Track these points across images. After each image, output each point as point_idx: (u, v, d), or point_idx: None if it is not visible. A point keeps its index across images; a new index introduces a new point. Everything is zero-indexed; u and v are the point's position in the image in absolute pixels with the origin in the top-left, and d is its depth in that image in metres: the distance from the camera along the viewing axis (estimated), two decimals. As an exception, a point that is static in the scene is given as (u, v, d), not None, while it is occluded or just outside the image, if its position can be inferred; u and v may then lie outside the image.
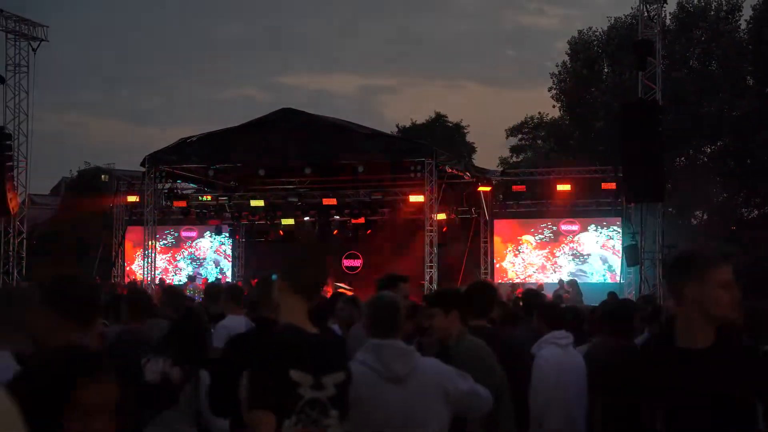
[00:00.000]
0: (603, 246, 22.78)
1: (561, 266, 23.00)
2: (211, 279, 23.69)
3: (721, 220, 32.64)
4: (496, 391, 4.26)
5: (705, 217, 34.81)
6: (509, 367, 4.81)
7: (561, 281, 21.45)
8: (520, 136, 42.93)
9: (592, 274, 22.77)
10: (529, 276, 23.08)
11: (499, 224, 23.56)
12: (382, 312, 3.94)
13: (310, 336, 3.44)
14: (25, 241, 23.49)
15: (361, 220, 22.68)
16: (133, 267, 25.32)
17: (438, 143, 27.18)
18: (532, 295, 9.54)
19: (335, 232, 23.11)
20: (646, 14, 19.64)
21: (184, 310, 6.21)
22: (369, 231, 23.04)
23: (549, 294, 16.91)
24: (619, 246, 22.00)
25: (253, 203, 22.43)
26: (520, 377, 5.06)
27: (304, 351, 3.36)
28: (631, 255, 19.61)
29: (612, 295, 15.57)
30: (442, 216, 21.04)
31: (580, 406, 5.27)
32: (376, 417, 3.71)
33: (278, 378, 3.28)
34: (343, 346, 3.66)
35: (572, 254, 23.01)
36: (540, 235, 23.27)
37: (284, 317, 3.52)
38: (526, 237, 23.40)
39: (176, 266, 26.00)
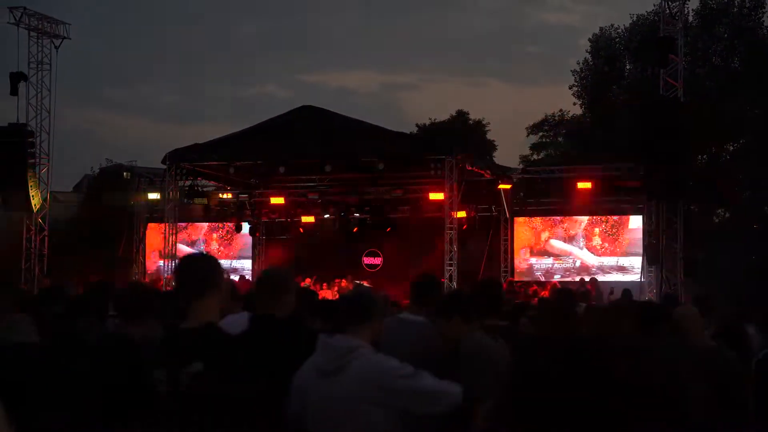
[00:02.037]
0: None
1: (579, 264, 22.94)
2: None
3: (744, 218, 32.36)
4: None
5: (727, 215, 34.52)
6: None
7: (582, 279, 21.38)
8: (540, 133, 42.74)
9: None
10: (552, 272, 23.01)
11: (520, 222, 23.50)
12: (341, 305, 4.07)
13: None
14: (46, 238, 23.66)
15: (381, 217, 22.69)
16: (156, 263, 25.45)
17: (459, 141, 27.12)
18: (563, 294, 9.48)
19: (355, 229, 23.13)
20: (668, 11, 19.51)
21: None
22: (389, 229, 23.03)
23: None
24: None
25: (273, 201, 22.48)
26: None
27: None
28: (652, 254, 19.49)
29: (626, 292, 15.56)
30: (462, 214, 21.00)
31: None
32: (306, 407, 3.82)
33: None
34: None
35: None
36: (560, 233, 23.19)
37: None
38: (546, 235, 23.32)
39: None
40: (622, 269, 22.37)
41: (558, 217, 23.24)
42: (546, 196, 23.99)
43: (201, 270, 3.71)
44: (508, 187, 22.42)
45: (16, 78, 22.58)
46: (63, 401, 4.09)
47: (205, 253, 6.32)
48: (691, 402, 4.63)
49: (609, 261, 22.61)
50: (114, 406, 4.04)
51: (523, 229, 23.52)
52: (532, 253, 23.45)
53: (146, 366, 3.46)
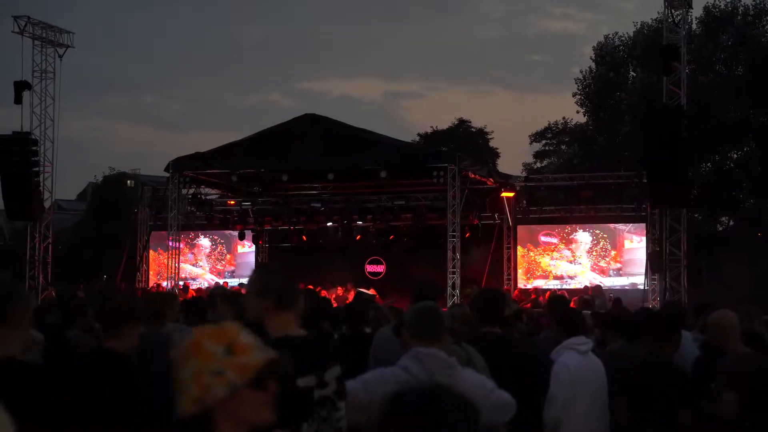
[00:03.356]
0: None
1: (584, 272, 22.84)
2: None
3: (748, 226, 32.31)
4: None
5: (731, 223, 34.47)
6: (528, 373, 4.80)
7: (586, 287, 21.33)
8: (544, 141, 42.79)
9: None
10: (559, 279, 22.91)
11: (522, 230, 23.45)
12: (426, 319, 3.94)
13: (302, 340, 3.49)
14: (50, 246, 23.69)
15: (384, 225, 22.70)
16: (157, 272, 25.45)
17: (461, 149, 27.14)
18: (556, 301, 9.50)
19: (358, 237, 23.13)
20: (671, 19, 19.51)
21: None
22: (392, 237, 23.03)
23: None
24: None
25: (276, 209, 22.50)
26: (541, 383, 5.04)
27: (300, 356, 3.39)
28: (656, 261, 19.46)
29: (617, 301, 15.58)
30: (464, 222, 21.00)
31: (600, 413, 5.23)
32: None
33: (287, 389, 3.30)
34: (333, 342, 3.68)
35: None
36: (563, 241, 23.13)
37: (276, 330, 3.51)
38: (548, 241, 23.26)
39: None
40: (633, 286, 22.20)
41: (561, 225, 23.15)
42: (549, 204, 23.93)
43: None
44: (511, 195, 22.41)
45: (20, 86, 22.64)
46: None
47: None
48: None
49: (620, 281, 22.45)
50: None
51: (525, 258, 23.37)
52: (535, 276, 23.29)
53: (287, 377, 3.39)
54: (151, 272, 25.37)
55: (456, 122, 45.65)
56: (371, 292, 20.44)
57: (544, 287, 22.15)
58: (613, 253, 22.56)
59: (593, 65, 36.56)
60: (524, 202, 23.70)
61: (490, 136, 46.12)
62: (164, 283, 22.21)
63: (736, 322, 5.72)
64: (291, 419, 3.31)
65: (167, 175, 20.85)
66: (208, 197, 23.81)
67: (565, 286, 22.02)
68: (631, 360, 5.57)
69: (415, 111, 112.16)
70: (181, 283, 22.12)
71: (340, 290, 21.48)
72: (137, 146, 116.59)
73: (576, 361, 5.17)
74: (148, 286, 24.06)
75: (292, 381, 3.33)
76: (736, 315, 5.82)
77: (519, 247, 23.30)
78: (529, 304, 18.70)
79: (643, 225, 21.68)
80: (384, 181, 19.96)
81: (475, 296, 5.92)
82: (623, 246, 22.51)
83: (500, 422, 3.92)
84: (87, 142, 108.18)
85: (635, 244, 22.32)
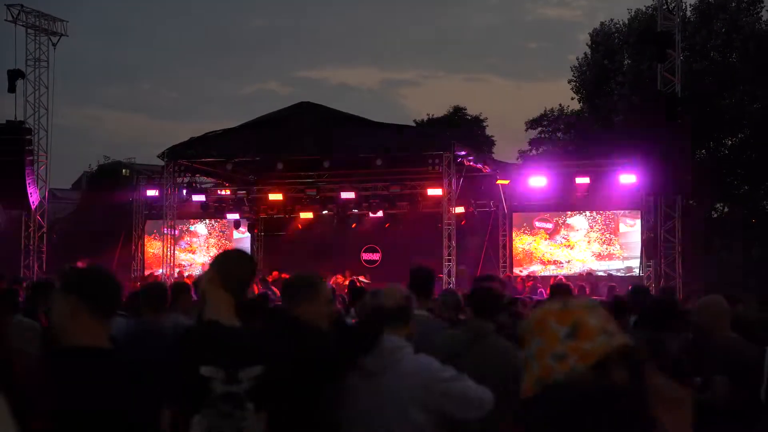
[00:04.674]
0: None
1: (579, 258, 22.91)
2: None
3: (742, 212, 32.39)
4: None
5: (726, 209, 34.55)
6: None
7: (581, 275, 21.40)
8: (539, 129, 42.70)
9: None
10: (556, 265, 22.96)
11: (518, 217, 23.49)
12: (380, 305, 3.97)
13: (226, 330, 3.43)
14: (45, 235, 23.67)
15: (380, 213, 22.70)
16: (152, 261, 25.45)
17: (456, 136, 27.11)
18: (557, 288, 9.53)
19: (354, 225, 23.14)
20: (665, 6, 19.48)
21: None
22: (387, 225, 23.05)
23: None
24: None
25: (272, 197, 22.51)
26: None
27: (217, 346, 3.37)
28: (650, 248, 19.51)
29: (611, 288, 15.64)
30: (460, 209, 21.02)
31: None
32: (345, 409, 3.73)
33: (188, 374, 3.31)
34: (266, 339, 3.58)
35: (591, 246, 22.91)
36: (558, 227, 23.18)
37: (210, 311, 3.49)
38: (544, 228, 23.30)
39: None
40: (629, 270, 22.28)
41: (556, 228, 23.18)
42: (544, 191, 23.91)
43: None
44: (506, 182, 22.43)
45: (14, 75, 22.58)
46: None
47: None
48: None
49: (615, 264, 22.53)
50: None
51: (521, 245, 23.41)
52: (531, 262, 23.34)
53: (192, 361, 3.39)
54: (146, 261, 25.39)
55: (452, 110, 45.59)
56: (366, 279, 20.50)
57: (542, 274, 22.22)
58: (608, 236, 22.64)
59: (589, 52, 36.54)
60: (519, 189, 23.64)
61: (485, 124, 46.09)
62: (159, 271, 22.22)
63: (723, 307, 5.75)
64: (184, 404, 3.31)
65: (162, 163, 20.83)
66: (203, 186, 23.79)
67: (561, 272, 22.09)
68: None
69: (411, 99, 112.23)
70: (177, 270, 22.15)
71: (339, 278, 21.51)
72: (133, 135, 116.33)
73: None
74: (144, 274, 24.07)
75: (194, 367, 3.31)
76: (724, 300, 5.85)
77: (515, 234, 23.34)
78: (526, 291, 18.74)
79: (638, 210, 21.76)
80: (379, 169, 19.95)
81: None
82: (618, 230, 22.58)
83: (466, 417, 3.74)
84: (82, 131, 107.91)
85: (630, 228, 22.39)
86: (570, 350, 2.18)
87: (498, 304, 5.22)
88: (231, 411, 3.31)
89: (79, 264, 17.84)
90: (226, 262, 3.64)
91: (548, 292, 11.61)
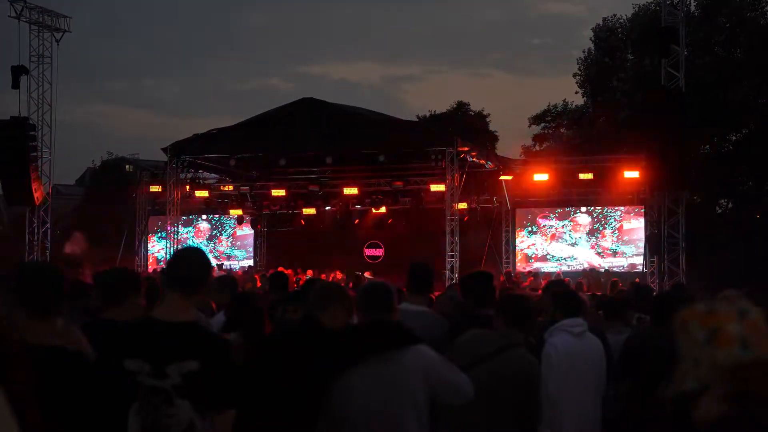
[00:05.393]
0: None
1: (581, 254, 22.90)
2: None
3: (747, 208, 32.31)
4: None
5: (730, 205, 34.47)
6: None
7: (584, 270, 21.40)
8: (543, 124, 42.62)
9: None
10: (557, 261, 22.95)
11: (521, 213, 23.48)
12: (369, 295, 4.05)
13: (159, 325, 3.47)
14: (49, 231, 23.69)
15: (383, 209, 22.69)
16: (156, 256, 25.50)
17: (460, 132, 27.08)
18: (553, 284, 9.52)
19: (356, 221, 23.13)
20: (669, 1, 19.43)
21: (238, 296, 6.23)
22: (390, 220, 23.04)
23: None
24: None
25: (275, 193, 22.50)
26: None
27: (144, 340, 3.42)
28: (654, 244, 19.48)
29: (614, 284, 15.61)
30: (463, 205, 21.00)
31: (593, 393, 5.26)
32: (351, 400, 3.79)
33: (113, 368, 3.37)
34: (206, 336, 3.58)
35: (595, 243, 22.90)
36: (561, 223, 23.17)
37: (158, 309, 3.56)
38: (547, 224, 23.29)
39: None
40: (632, 266, 22.27)
41: (559, 208, 23.19)
42: (548, 187, 23.90)
43: None
44: (509, 178, 22.41)
45: (18, 71, 22.57)
46: None
47: None
48: None
49: (618, 260, 22.52)
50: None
51: (524, 241, 23.40)
52: (536, 259, 23.33)
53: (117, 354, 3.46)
54: (149, 256, 25.43)
55: (455, 105, 45.54)
56: (368, 275, 20.49)
57: (544, 270, 22.22)
58: (612, 232, 22.62)
59: (593, 48, 36.48)
60: (523, 185, 23.65)
61: (488, 119, 46.03)
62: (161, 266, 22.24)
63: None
64: (114, 399, 3.34)
65: (166, 159, 20.84)
66: (206, 181, 23.81)
67: (564, 269, 22.09)
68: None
69: (414, 94, 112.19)
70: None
71: (339, 275, 21.51)
72: (136, 131, 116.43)
73: (566, 343, 5.16)
74: (147, 270, 24.09)
75: (119, 361, 3.36)
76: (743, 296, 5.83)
77: (517, 230, 23.34)
78: (527, 284, 18.75)
79: (642, 206, 21.75)
80: (382, 165, 19.92)
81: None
82: (622, 227, 22.57)
83: (451, 402, 3.97)
84: (85, 127, 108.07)
85: (634, 224, 22.38)
86: (705, 358, 2.10)
87: (531, 315, 5.18)
88: (158, 405, 3.35)
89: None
90: (172, 261, 3.77)
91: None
